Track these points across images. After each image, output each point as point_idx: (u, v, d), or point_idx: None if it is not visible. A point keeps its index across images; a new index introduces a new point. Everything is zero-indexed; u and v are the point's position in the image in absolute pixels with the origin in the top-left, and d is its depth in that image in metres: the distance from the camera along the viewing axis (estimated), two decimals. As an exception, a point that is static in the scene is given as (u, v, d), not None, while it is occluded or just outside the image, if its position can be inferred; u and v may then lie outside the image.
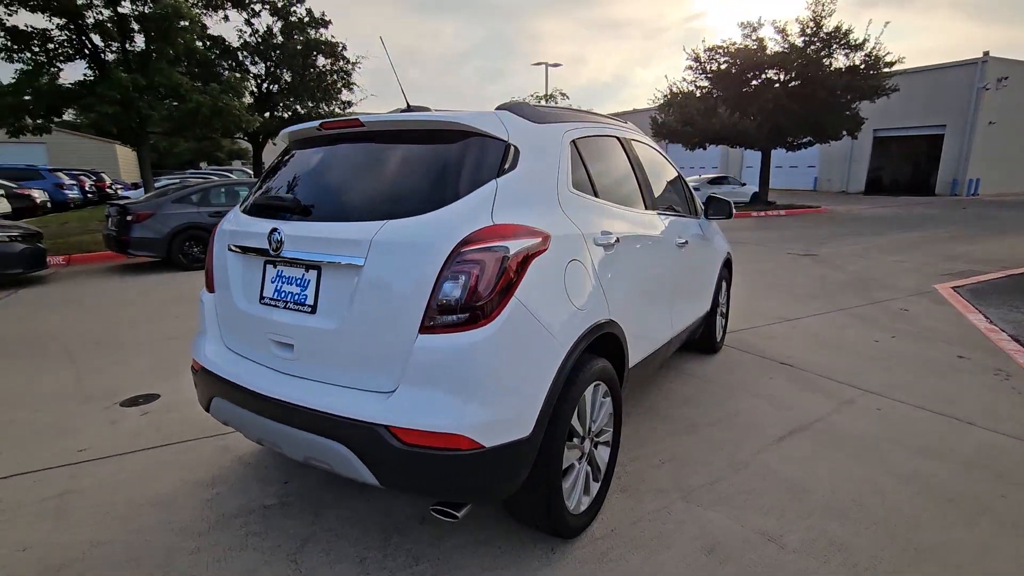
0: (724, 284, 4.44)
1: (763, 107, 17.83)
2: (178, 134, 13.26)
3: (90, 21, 11.03)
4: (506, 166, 1.95)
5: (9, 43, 10.60)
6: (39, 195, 15.49)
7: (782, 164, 33.60)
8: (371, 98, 19.03)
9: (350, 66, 16.31)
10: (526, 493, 1.93)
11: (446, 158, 1.94)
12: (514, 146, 2.01)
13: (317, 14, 15.91)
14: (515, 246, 1.76)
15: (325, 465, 1.85)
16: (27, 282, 7.52)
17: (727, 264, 4.47)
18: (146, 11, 11.28)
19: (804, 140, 19.79)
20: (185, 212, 8.34)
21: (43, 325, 5.44)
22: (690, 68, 20.25)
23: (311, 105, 15.59)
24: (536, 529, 2.13)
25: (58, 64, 11.64)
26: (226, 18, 14.64)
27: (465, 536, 2.19)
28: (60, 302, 6.47)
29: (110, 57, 11.82)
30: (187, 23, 11.65)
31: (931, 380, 3.85)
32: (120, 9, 11.52)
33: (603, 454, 2.37)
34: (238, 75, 14.09)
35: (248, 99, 15.13)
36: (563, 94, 24.83)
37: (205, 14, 13.78)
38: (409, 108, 2.44)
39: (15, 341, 4.92)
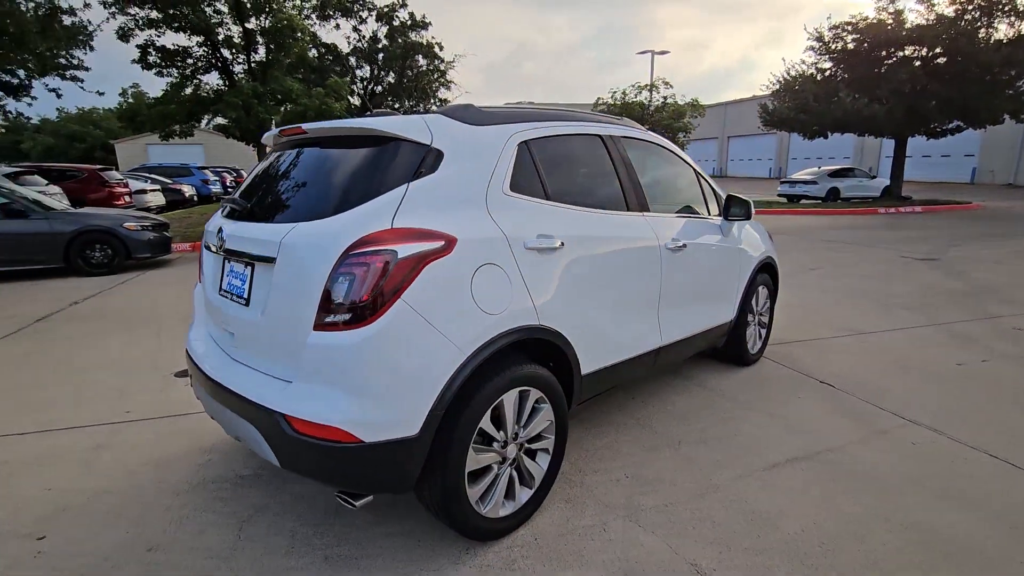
0: (762, 290, 4.06)
1: (897, 89, 15.68)
2: None
3: (220, 37, 12.60)
4: (423, 170, 1.98)
5: (160, 60, 12.47)
6: (188, 190, 18.04)
7: (930, 153, 29.40)
8: (466, 95, 19.65)
9: (444, 65, 16.99)
10: (428, 490, 1.97)
11: (365, 163, 2.01)
12: (437, 150, 2.03)
13: (418, 16, 16.77)
14: (406, 249, 1.79)
15: (247, 444, 2.03)
16: (153, 265, 8.85)
17: (766, 269, 4.08)
18: (266, 25, 12.64)
19: (950, 126, 17.13)
20: None
21: (151, 302, 6.40)
22: (811, 49, 18.42)
23: (409, 104, 16.47)
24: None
25: (198, 76, 13.44)
26: (337, 26, 16.02)
27: (395, 525, 2.27)
28: (174, 282, 7.54)
29: (237, 68, 13.42)
30: (300, 34, 12.86)
31: (1004, 415, 3.23)
32: (248, 25, 13.02)
33: (542, 461, 2.33)
34: (340, 79, 15.27)
35: (356, 101, 16.38)
36: (666, 83, 23.71)
37: (318, 25, 15.14)
38: (371, 113, 2.54)
39: (125, 314, 5.85)
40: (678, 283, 3.07)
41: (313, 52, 15.71)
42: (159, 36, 12.16)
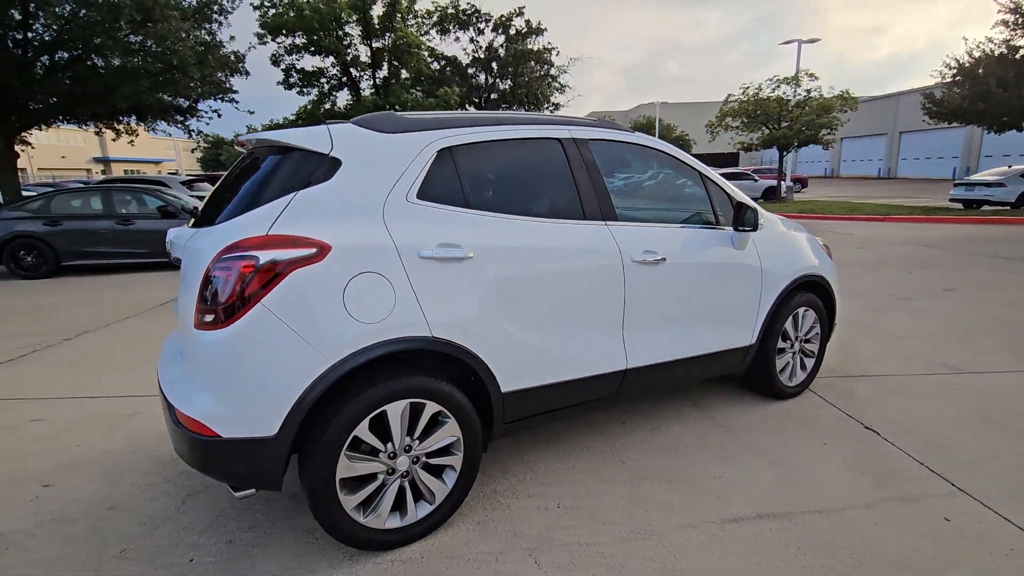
0: (806, 313, 3.48)
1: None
2: None
3: (348, 57, 14.00)
4: (316, 178, 2.04)
5: (300, 81, 14.22)
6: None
7: None
8: (578, 97, 19.33)
9: (555, 70, 17.04)
10: (305, 491, 2.02)
11: (270, 172, 2.12)
12: (334, 158, 2.07)
13: (534, 24, 17.02)
14: (271, 255, 1.85)
15: None
16: None
17: (810, 287, 3.50)
18: (388, 44, 13.78)
19: None
20: None
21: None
22: (1003, 23, 15.35)
23: (522, 110, 16.76)
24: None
25: (334, 94, 15.05)
26: (457, 39, 16.90)
27: (306, 521, 2.35)
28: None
29: (364, 85, 14.80)
30: (417, 50, 13.81)
31: (1111, 500, 2.41)
32: (374, 44, 14.29)
33: (448, 478, 2.26)
34: (449, 89, 16.06)
35: (472, 109, 17.12)
36: (811, 75, 21.19)
37: (439, 39, 16.14)
38: (324, 122, 2.64)
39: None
40: (654, 300, 2.76)
41: (435, 65, 16.76)
42: (298, 60, 13.92)
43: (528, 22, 17.66)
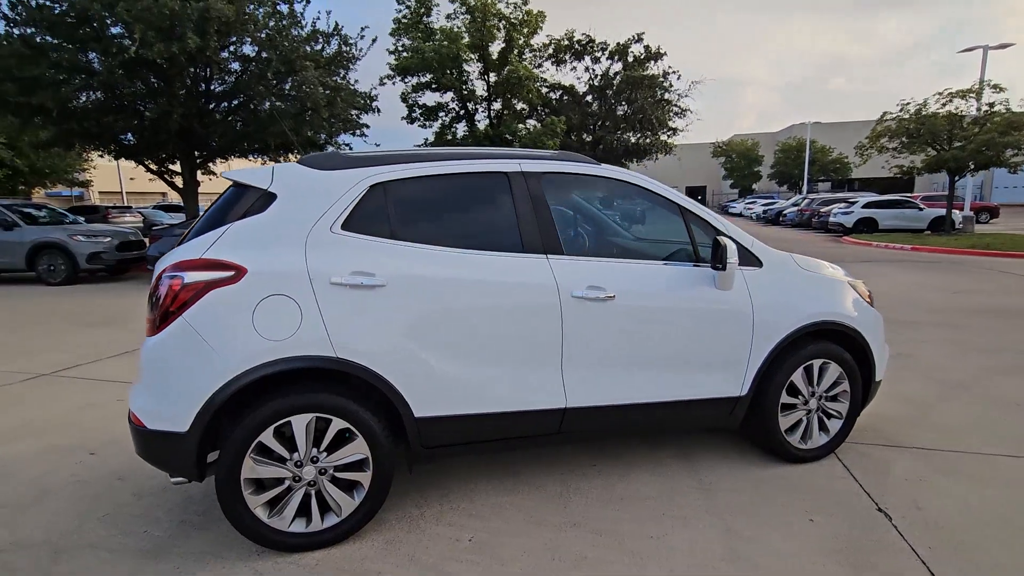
0: (827, 367, 3.03)
1: None
2: None
3: (466, 91, 15.03)
4: (252, 211, 2.33)
5: (423, 116, 15.59)
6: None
7: None
8: (697, 121, 18.31)
9: (671, 95, 16.49)
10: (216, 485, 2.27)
11: (224, 204, 2.45)
12: (270, 193, 2.36)
13: (653, 48, 16.73)
14: (194, 276, 2.17)
15: None
16: None
17: (832, 336, 3.05)
18: (502, 78, 14.58)
19: None
20: None
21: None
22: None
23: (633, 137, 16.46)
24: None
25: (454, 126, 16.22)
26: (573, 68, 17.23)
27: (222, 529, 2.55)
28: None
29: (480, 116, 15.77)
30: (529, 82, 14.40)
31: None
32: (491, 78, 15.21)
33: (357, 494, 2.38)
34: (555, 118, 16.33)
35: (587, 137, 17.30)
36: (997, 87, 17.87)
37: (555, 70, 16.63)
38: (298, 154, 2.96)
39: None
40: (601, 339, 2.63)
41: (553, 95, 17.26)
42: (420, 96, 15.30)
43: (647, 47, 17.44)
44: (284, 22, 10.74)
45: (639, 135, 16.89)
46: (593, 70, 17.38)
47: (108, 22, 9.32)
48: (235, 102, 11.75)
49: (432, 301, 2.40)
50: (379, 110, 14.50)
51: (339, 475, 2.36)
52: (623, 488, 2.87)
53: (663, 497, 2.77)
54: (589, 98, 17.84)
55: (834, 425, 3.15)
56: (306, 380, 2.30)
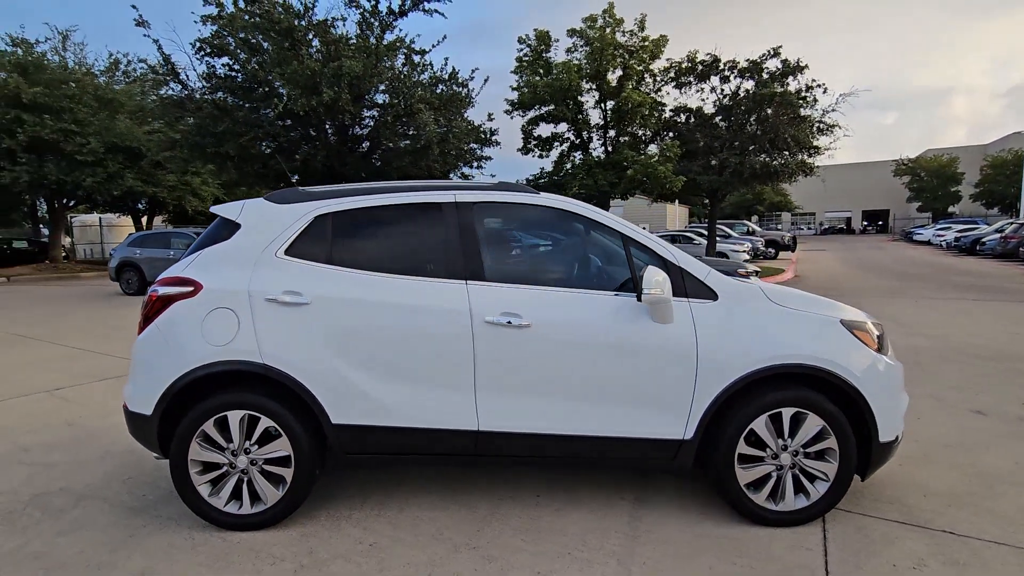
0: (790, 416, 2.66)
1: None
2: (624, 196, 16.17)
3: (580, 121, 15.26)
4: (221, 238, 2.83)
5: (538, 147, 16.16)
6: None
7: None
8: (844, 137, 15.90)
9: (810, 110, 14.76)
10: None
11: (208, 232, 2.97)
12: (236, 224, 2.84)
13: (792, 61, 15.29)
14: (163, 290, 2.70)
15: None
16: None
17: (815, 383, 2.67)
18: (615, 106, 14.58)
19: None
20: None
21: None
22: None
23: (765, 158, 15.01)
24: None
25: (573, 155, 16.54)
26: (700, 90, 16.46)
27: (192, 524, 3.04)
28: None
29: (596, 145, 15.88)
30: (641, 108, 14.20)
31: None
32: (607, 106, 15.31)
33: (281, 486, 2.69)
34: (671, 142, 15.56)
35: (713, 160, 16.35)
36: None
37: (678, 93, 16.07)
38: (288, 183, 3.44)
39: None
40: (516, 366, 2.65)
41: (679, 118, 16.70)
42: (535, 128, 15.88)
43: (785, 61, 16.04)
44: (404, 70, 12.14)
45: (770, 156, 15.49)
46: (721, 90, 16.51)
47: (273, 84, 11.41)
48: (367, 144, 13.45)
49: (351, 320, 2.66)
50: (498, 143, 15.43)
51: (267, 467, 2.70)
52: (550, 521, 2.79)
53: (583, 536, 2.65)
54: (719, 119, 16.90)
55: (818, 488, 2.71)
56: (242, 382, 2.70)
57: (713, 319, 2.68)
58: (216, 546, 2.58)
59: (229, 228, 2.85)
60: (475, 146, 14.79)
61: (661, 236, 18.22)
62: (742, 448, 2.67)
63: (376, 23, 12.61)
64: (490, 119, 14.16)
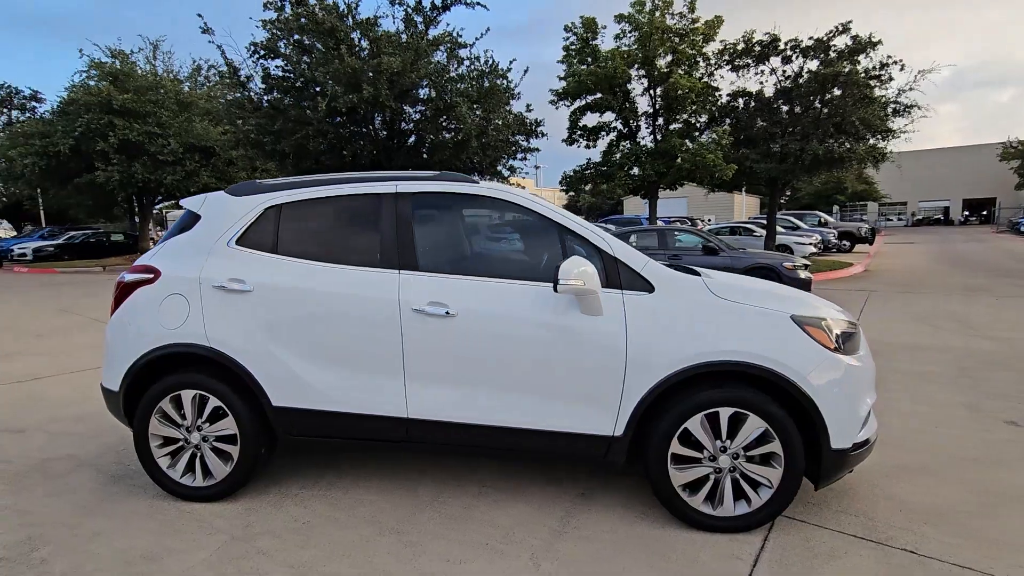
0: (728, 416, 2.50)
1: None
2: (673, 186, 15.48)
3: (627, 109, 14.82)
4: (184, 229, 3.03)
5: (584, 137, 15.86)
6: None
7: None
8: (921, 118, 14.19)
9: (890, 90, 13.45)
10: (136, 435, 2.98)
11: (176, 223, 3.19)
12: (197, 215, 3.03)
13: (865, 36, 13.97)
14: (129, 276, 2.93)
15: None
16: None
17: (760, 383, 2.51)
18: (662, 93, 14.06)
19: None
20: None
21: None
22: None
23: (831, 144, 13.76)
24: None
25: (623, 144, 16.12)
26: (759, 72, 15.43)
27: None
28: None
29: (644, 133, 15.37)
30: (690, 93, 13.59)
31: None
32: (655, 92, 14.79)
33: (228, 463, 2.86)
34: (721, 130, 14.70)
35: (774, 147, 15.38)
36: None
37: (735, 76, 15.18)
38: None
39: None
40: (443, 356, 2.66)
41: (738, 102, 15.84)
42: (579, 119, 15.55)
43: (856, 38, 14.71)
44: (442, 64, 12.30)
45: (835, 141, 14.27)
46: (783, 71, 15.41)
47: (319, 83, 11.93)
48: (412, 138, 13.76)
49: (289, 307, 2.78)
50: (544, 134, 15.30)
51: (217, 445, 2.87)
52: (484, 512, 2.79)
53: (511, 528, 2.63)
54: (781, 103, 15.83)
55: (761, 494, 2.54)
56: (194, 363, 2.89)
57: (646, 312, 2.56)
58: (170, 515, 2.79)
59: (192, 219, 3.04)
60: (520, 137, 14.76)
61: (720, 227, 17.53)
62: (676, 448, 2.55)
63: (420, 19, 12.86)
64: (528, 110, 14.03)
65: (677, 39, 14.57)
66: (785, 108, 15.24)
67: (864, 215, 54.50)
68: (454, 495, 2.96)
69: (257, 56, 12.36)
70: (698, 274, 2.97)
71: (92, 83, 19.06)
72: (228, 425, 2.83)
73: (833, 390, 2.47)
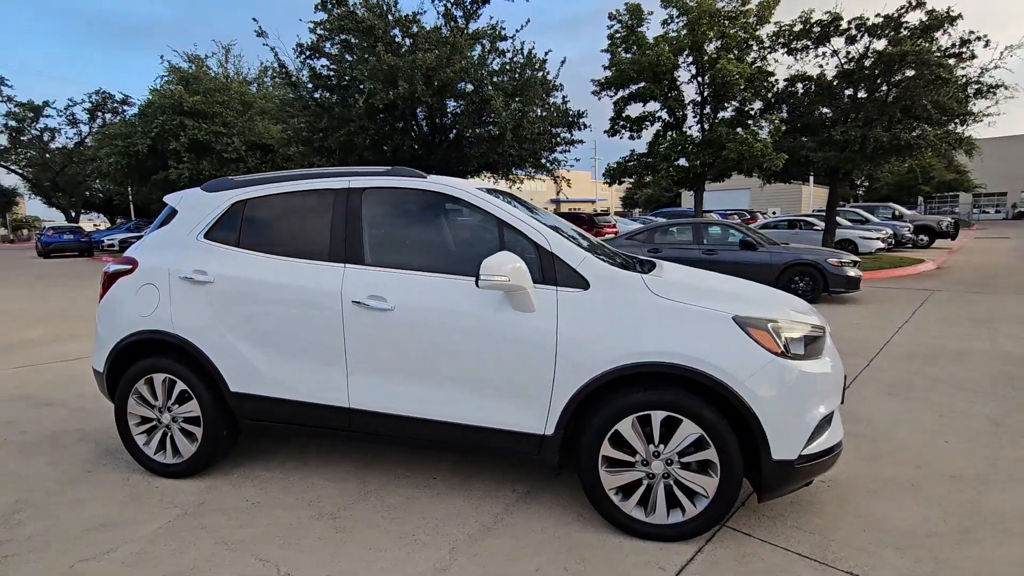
0: (660, 420, 2.40)
1: None
2: (720, 178, 14.69)
3: (673, 98, 14.26)
4: (164, 223, 3.24)
5: (627, 127, 15.41)
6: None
7: None
8: (1007, 99, 12.55)
9: (971, 68, 12.09)
10: (120, 415, 3.22)
11: (160, 217, 3.40)
12: (175, 210, 3.23)
13: (942, 10, 12.69)
14: (112, 267, 3.17)
15: None
16: (842, 300, 9.14)
17: (688, 385, 2.38)
18: (708, 80, 13.44)
19: None
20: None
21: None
22: None
23: (899, 130, 12.55)
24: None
25: (671, 133, 15.58)
26: (820, 55, 14.35)
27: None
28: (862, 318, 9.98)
29: (691, 122, 14.75)
30: (739, 78, 12.90)
31: None
32: (703, 80, 14.18)
33: (194, 443, 3.04)
34: (772, 116, 13.77)
35: (836, 134, 14.35)
36: None
37: (796, 59, 14.22)
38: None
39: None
40: (382, 348, 2.71)
41: (797, 87, 14.90)
42: (623, 110, 15.09)
43: (932, 12, 13.38)
44: (477, 57, 12.32)
45: (902, 127, 13.05)
46: (846, 52, 14.27)
47: (359, 81, 12.30)
48: (452, 133, 13.93)
49: (245, 297, 2.91)
50: (587, 126, 15.04)
51: (184, 425, 3.07)
52: (424, 503, 2.82)
53: (442, 521, 2.65)
54: (845, 87, 14.70)
55: (697, 503, 2.42)
56: (164, 349, 3.08)
57: (579, 310, 2.49)
58: (140, 488, 3.01)
59: (171, 214, 3.24)
60: (560, 129, 14.58)
61: (777, 221, 16.54)
62: (607, 450, 2.47)
63: (460, 13, 12.96)
64: (565, 101, 13.82)
65: (727, 22, 13.85)
66: (848, 92, 14.14)
67: (956, 207, 49.87)
68: (401, 485, 3.01)
69: (304, 56, 12.89)
70: (651, 269, 2.86)
71: (170, 87, 20.64)
72: (193, 408, 3.01)
73: (775, 397, 2.31)
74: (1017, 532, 2.50)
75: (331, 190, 2.96)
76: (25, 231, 51.68)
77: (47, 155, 32.38)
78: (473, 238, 2.82)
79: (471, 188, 2.82)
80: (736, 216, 25.83)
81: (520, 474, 3.10)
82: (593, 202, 66.57)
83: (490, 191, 3.05)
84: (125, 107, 33.25)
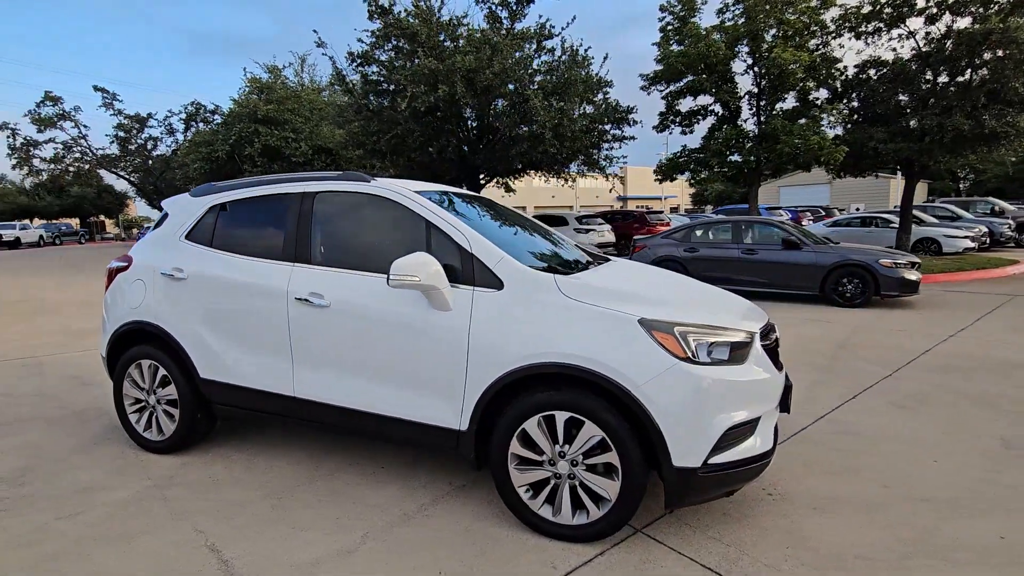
0: (563, 420, 2.41)
1: None
2: (777, 173, 13.76)
3: (727, 91, 13.63)
4: (159, 225, 3.61)
5: (678, 122, 14.89)
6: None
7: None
8: None
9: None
10: (122, 397, 3.63)
11: (158, 220, 3.79)
12: (167, 213, 3.59)
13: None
14: (113, 264, 3.58)
15: None
16: (897, 304, 8.58)
17: (591, 387, 2.38)
18: (763, 71, 12.74)
19: None
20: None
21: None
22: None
23: (981, 115, 11.15)
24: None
25: (725, 127, 14.93)
26: (896, 38, 13.08)
27: None
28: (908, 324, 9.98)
29: (746, 115, 14.03)
30: (795, 67, 12.13)
31: None
32: (758, 70, 13.49)
33: (173, 423, 3.38)
34: (829, 106, 12.68)
35: (912, 123, 13.15)
36: None
37: (865, 43, 13.11)
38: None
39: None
40: (318, 342, 2.89)
41: (870, 73, 13.77)
42: (677, 103, 14.55)
43: (1024, -15, 11.86)
44: (517, 57, 12.37)
45: (987, 113, 11.63)
46: (926, 33, 12.94)
47: (403, 84, 12.74)
48: (497, 134, 14.10)
49: (211, 293, 3.20)
50: (637, 122, 14.70)
51: (166, 407, 3.41)
52: (363, 490, 2.98)
53: (369, 507, 2.80)
54: (929, 73, 13.37)
55: (601, 506, 2.41)
56: (148, 338, 3.43)
57: (491, 310, 2.54)
58: (129, 461, 3.39)
59: (164, 217, 3.61)
60: (609, 126, 14.37)
61: (850, 218, 15.49)
62: (516, 448, 2.50)
63: (505, 14, 13.11)
64: (606, 96, 13.59)
65: (787, 8, 13.04)
66: (927, 77, 12.89)
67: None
68: (349, 472, 3.19)
69: (356, 64, 13.54)
70: (584, 269, 2.86)
71: (249, 96, 22.36)
72: (172, 391, 3.35)
73: (675, 402, 2.25)
74: (960, 563, 2.28)
75: (291, 194, 3.18)
76: (135, 230, 57.72)
77: (150, 162, 35.87)
78: (407, 239, 2.92)
79: (407, 191, 2.93)
80: (808, 213, 24.19)
81: (464, 469, 3.19)
82: (660, 199, 64.70)
83: (444, 193, 3.17)
84: (216, 116, 36.36)
